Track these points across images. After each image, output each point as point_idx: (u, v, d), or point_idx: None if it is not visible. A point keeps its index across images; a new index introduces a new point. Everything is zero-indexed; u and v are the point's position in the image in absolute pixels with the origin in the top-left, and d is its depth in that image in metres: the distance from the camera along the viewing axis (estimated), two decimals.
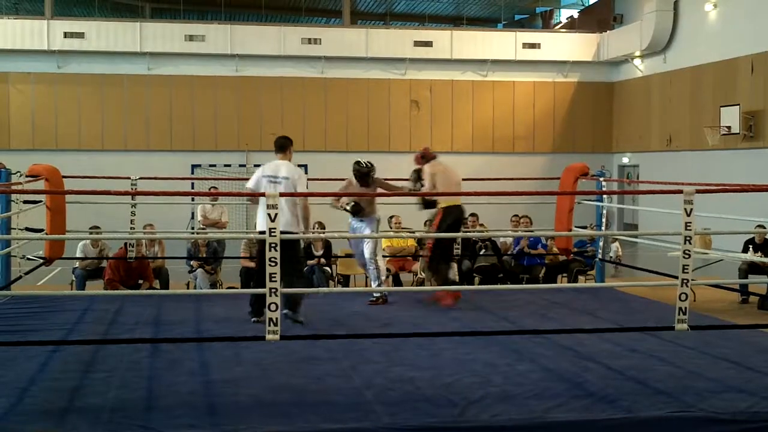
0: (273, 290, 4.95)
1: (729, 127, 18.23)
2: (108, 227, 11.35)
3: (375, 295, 8.34)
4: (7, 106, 21.74)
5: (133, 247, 9.26)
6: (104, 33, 21.78)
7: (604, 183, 9.60)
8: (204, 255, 10.23)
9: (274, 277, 4.94)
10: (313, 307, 7.86)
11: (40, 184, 8.22)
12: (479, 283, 10.30)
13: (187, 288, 10.03)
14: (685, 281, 5.31)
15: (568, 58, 23.67)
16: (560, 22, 28.36)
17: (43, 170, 8.27)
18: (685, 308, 5.36)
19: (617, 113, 24.06)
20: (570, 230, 9.15)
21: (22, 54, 21.55)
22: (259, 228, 7.03)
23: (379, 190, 8.48)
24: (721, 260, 10.47)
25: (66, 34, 21.54)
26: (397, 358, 5.78)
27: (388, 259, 10.72)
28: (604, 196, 9.77)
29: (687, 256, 5.29)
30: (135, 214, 9.13)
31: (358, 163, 8.45)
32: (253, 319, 7.08)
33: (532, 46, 23.48)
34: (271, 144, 7.55)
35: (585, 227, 10.84)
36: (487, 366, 5.58)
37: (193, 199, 14.73)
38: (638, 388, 5.08)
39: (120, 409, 4.62)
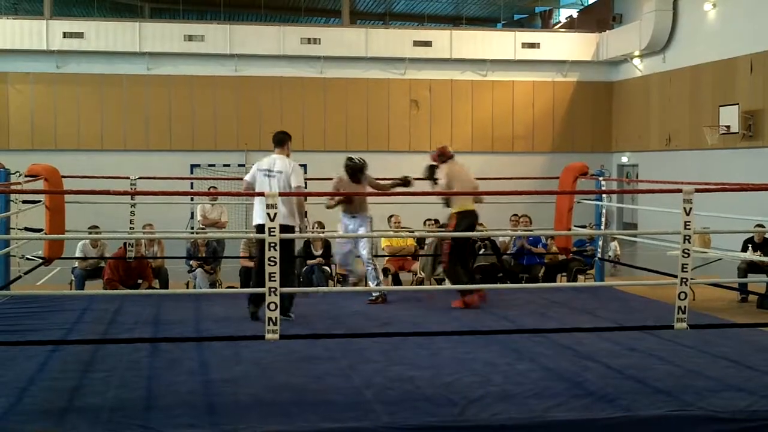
0: (272, 289, 4.95)
1: (728, 127, 18.24)
2: (107, 227, 11.35)
3: (374, 294, 8.34)
4: (6, 106, 21.74)
5: (132, 246, 9.26)
6: (103, 33, 21.78)
7: (603, 182, 9.61)
8: (203, 255, 10.23)
9: (274, 276, 4.94)
10: (312, 307, 7.88)
11: (40, 184, 8.21)
12: (479, 283, 10.29)
13: (187, 288, 10.03)
14: (684, 280, 5.31)
15: (567, 57, 23.68)
16: (559, 22, 28.37)
17: (42, 170, 8.27)
18: (685, 307, 5.37)
19: (616, 113, 24.07)
20: (569, 229, 9.15)
21: (21, 54, 21.55)
22: (255, 221, 7.16)
23: (370, 190, 8.47)
24: (720, 259, 10.47)
25: (65, 34, 21.54)
26: (397, 358, 5.78)
27: (387, 258, 10.74)
28: (604, 195, 9.78)
29: (686, 255, 5.30)
30: (134, 214, 9.13)
31: (350, 159, 8.43)
32: (249, 307, 7.18)
33: (532, 45, 23.49)
34: (270, 144, 7.58)
35: (584, 226, 10.84)
36: (486, 365, 5.58)
37: (192, 199, 14.73)
38: (638, 387, 5.08)
39: (119, 408, 4.62)
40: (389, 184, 8.48)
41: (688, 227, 5.30)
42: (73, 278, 9.91)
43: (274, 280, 4.94)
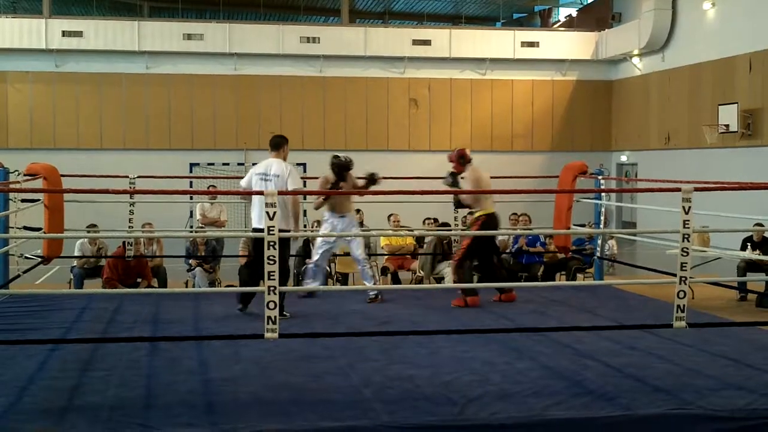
0: (271, 288, 4.95)
1: (727, 126, 18.24)
2: (106, 226, 11.35)
3: (371, 293, 8.34)
4: (5, 105, 21.72)
5: (131, 245, 9.26)
6: (102, 32, 21.77)
7: (602, 181, 9.61)
8: (202, 253, 10.23)
9: (273, 275, 4.94)
10: (311, 306, 7.88)
11: (39, 183, 8.21)
12: (478, 281, 10.29)
13: (186, 287, 10.03)
14: (683, 279, 5.32)
15: (566, 56, 23.67)
16: (559, 21, 28.37)
17: (41, 169, 8.27)
18: (684, 306, 5.37)
19: (616, 112, 24.08)
20: (568, 228, 9.15)
21: (20, 53, 21.54)
22: (254, 225, 7.28)
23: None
24: (720, 258, 10.48)
25: (64, 33, 21.53)
26: (396, 356, 5.78)
27: (387, 257, 10.74)
28: (603, 194, 9.78)
29: (685, 254, 5.30)
30: (133, 213, 9.13)
31: (336, 157, 8.40)
32: (239, 307, 7.35)
33: (531, 44, 23.49)
34: (269, 143, 7.60)
35: (583, 225, 10.85)
36: (486, 364, 5.58)
37: (191, 198, 14.73)
38: (637, 386, 5.08)
39: (119, 407, 4.62)
40: (363, 183, 8.45)
41: (687, 226, 5.30)
42: (72, 277, 9.91)
43: (273, 279, 4.94)
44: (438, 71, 23.33)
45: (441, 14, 29.19)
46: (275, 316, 4.98)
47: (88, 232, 9.72)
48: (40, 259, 8.59)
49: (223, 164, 21.48)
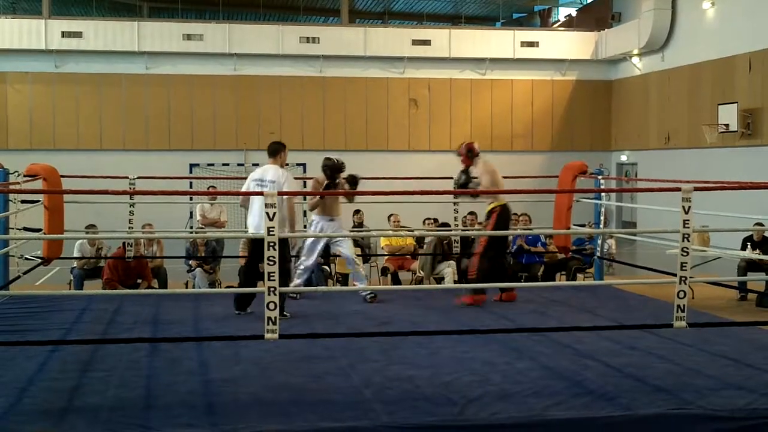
0: (271, 289, 4.95)
1: (727, 125, 18.24)
2: (106, 227, 11.35)
3: (367, 294, 8.32)
4: (4, 106, 21.72)
5: (131, 246, 9.26)
6: (102, 32, 21.76)
7: (602, 181, 9.60)
8: (202, 254, 10.23)
9: (273, 276, 4.94)
10: (311, 306, 7.88)
11: (38, 184, 8.21)
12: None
13: (186, 287, 10.03)
14: (683, 279, 5.32)
15: (566, 56, 23.67)
16: (558, 21, 28.38)
17: (41, 170, 8.26)
18: (684, 306, 5.37)
19: (615, 111, 24.07)
20: (568, 228, 9.15)
21: (19, 53, 21.53)
22: (249, 229, 7.39)
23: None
24: (720, 258, 10.47)
25: (64, 34, 21.52)
26: (396, 357, 5.78)
27: (387, 257, 10.74)
28: (603, 194, 9.78)
29: (685, 254, 5.30)
30: (133, 214, 9.13)
31: (329, 159, 8.39)
32: (236, 312, 7.40)
33: (531, 44, 23.49)
34: (269, 143, 7.62)
35: (583, 225, 10.85)
36: (486, 364, 5.58)
37: (191, 199, 14.73)
38: (637, 386, 5.08)
39: (119, 408, 4.62)
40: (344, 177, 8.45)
41: (687, 226, 5.30)
42: (72, 278, 9.90)
43: (273, 280, 4.94)
44: (438, 71, 23.33)
45: (440, 14, 29.19)
46: (275, 317, 4.98)
47: (87, 232, 9.72)
48: (40, 260, 8.59)
49: (223, 165, 21.49)
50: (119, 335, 6.70)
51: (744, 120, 17.91)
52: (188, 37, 22.05)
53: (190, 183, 18.72)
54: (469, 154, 8.37)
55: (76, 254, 9.85)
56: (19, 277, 8.40)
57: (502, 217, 8.14)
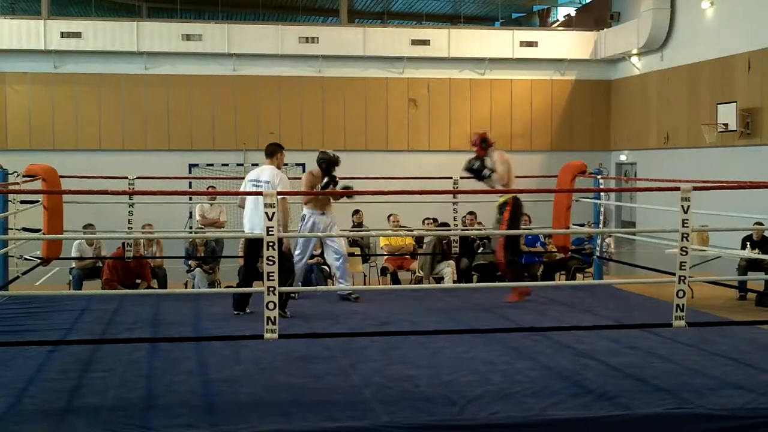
0: (271, 289, 4.95)
1: (726, 125, 18.25)
2: (106, 227, 11.35)
3: (351, 293, 8.30)
4: (4, 107, 21.72)
5: (131, 246, 9.26)
6: (101, 33, 21.76)
7: (601, 181, 9.61)
8: (202, 254, 10.23)
9: (272, 276, 4.93)
10: (311, 306, 7.88)
11: (38, 184, 8.21)
12: (477, 281, 10.31)
13: (186, 287, 10.02)
14: (682, 278, 5.32)
15: (565, 56, 23.68)
16: (557, 21, 28.39)
17: (40, 170, 8.26)
18: (683, 305, 5.37)
19: (615, 111, 24.08)
20: (568, 228, 9.15)
21: (18, 54, 21.53)
22: (245, 229, 7.42)
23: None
24: (719, 257, 10.48)
25: (63, 34, 21.52)
26: (396, 357, 5.78)
27: (386, 257, 10.74)
28: (602, 193, 9.78)
29: (684, 253, 5.30)
30: (132, 214, 9.13)
31: (325, 152, 8.39)
32: (234, 312, 7.42)
33: (530, 44, 23.50)
34: (268, 143, 7.63)
35: (583, 225, 10.85)
36: (485, 364, 5.58)
37: (191, 199, 14.73)
38: (637, 385, 5.08)
39: (119, 408, 4.62)
40: (339, 189, 8.44)
41: (686, 225, 5.30)
42: (71, 278, 9.90)
43: (273, 279, 4.94)
44: (437, 71, 23.33)
45: (440, 14, 29.19)
46: (275, 317, 4.98)
47: (85, 232, 9.72)
48: (39, 261, 8.59)
49: (223, 165, 21.51)
50: (119, 335, 6.69)
51: (743, 119, 17.92)
52: (187, 37, 22.04)
53: (190, 183, 18.72)
54: (483, 144, 8.23)
55: (74, 254, 9.84)
56: (18, 277, 8.40)
57: (516, 209, 8.12)
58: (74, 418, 4.46)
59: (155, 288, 9.56)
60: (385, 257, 10.75)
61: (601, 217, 9.57)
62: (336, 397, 4.83)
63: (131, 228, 9.26)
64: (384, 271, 10.68)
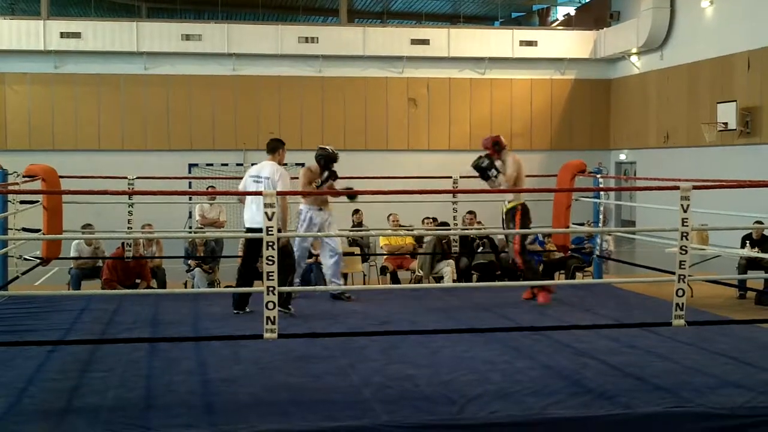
0: (270, 289, 4.94)
1: (726, 124, 18.25)
2: (105, 227, 11.36)
3: (343, 292, 8.29)
4: (3, 107, 21.72)
5: (130, 246, 9.26)
6: (101, 33, 21.76)
7: (601, 180, 9.61)
8: (202, 254, 10.22)
9: (272, 275, 4.93)
10: (310, 306, 7.88)
11: (37, 185, 8.20)
12: (477, 281, 10.30)
13: (185, 287, 10.02)
14: (682, 277, 5.32)
15: (565, 55, 23.68)
16: (557, 20, 28.37)
17: (40, 170, 8.26)
18: (683, 304, 5.37)
19: (614, 110, 24.08)
20: (567, 227, 9.15)
21: (18, 54, 21.53)
22: (246, 225, 7.42)
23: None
24: (719, 256, 10.48)
25: (62, 35, 21.51)
26: (396, 356, 5.78)
27: (386, 257, 10.74)
28: (602, 192, 9.78)
29: (684, 252, 5.30)
30: (132, 214, 9.14)
31: (323, 148, 8.40)
32: (234, 312, 7.44)
33: (529, 43, 23.49)
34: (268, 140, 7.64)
35: (582, 224, 10.85)
36: (485, 363, 5.58)
37: (190, 199, 14.72)
38: (636, 384, 5.08)
39: (118, 408, 4.62)
40: (340, 190, 8.43)
41: (685, 224, 5.30)
42: (70, 278, 9.90)
43: (272, 279, 4.94)
44: (437, 71, 23.32)
45: (439, 14, 29.18)
46: (274, 316, 4.98)
47: (84, 232, 9.72)
48: (39, 261, 8.59)
49: (222, 165, 21.50)
50: (118, 335, 6.69)
51: (743, 118, 17.91)
52: (187, 37, 22.04)
53: (189, 183, 18.70)
54: (496, 147, 8.17)
55: (72, 254, 9.84)
56: (18, 277, 8.40)
57: (526, 215, 8.13)
58: (74, 418, 4.46)
59: (155, 288, 9.56)
60: (385, 257, 10.74)
61: (601, 216, 9.57)
62: (335, 397, 4.83)
63: (131, 228, 9.26)
64: (384, 270, 10.68)
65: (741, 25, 18.26)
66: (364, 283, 10.71)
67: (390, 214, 10.95)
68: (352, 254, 10.47)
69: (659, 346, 6.10)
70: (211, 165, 21.48)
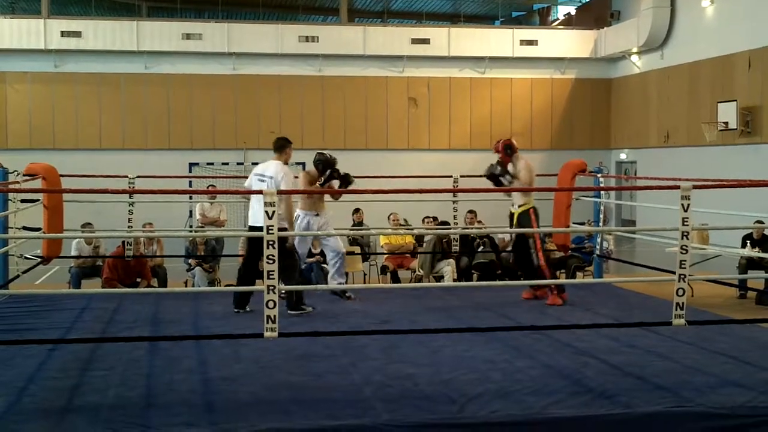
0: (270, 287, 4.95)
1: (726, 123, 18.24)
2: (106, 226, 11.36)
3: (345, 291, 8.30)
4: (4, 106, 21.71)
5: (131, 245, 9.27)
6: (101, 32, 21.75)
7: (601, 179, 9.61)
8: (202, 253, 10.23)
9: (272, 274, 4.93)
10: (311, 305, 7.87)
11: (38, 183, 8.21)
12: (477, 280, 10.31)
13: (186, 286, 10.03)
14: (682, 276, 5.32)
15: (565, 54, 23.66)
16: (557, 19, 28.35)
17: (41, 169, 8.26)
18: (683, 303, 5.37)
19: (615, 110, 24.07)
20: (568, 226, 9.15)
21: (19, 53, 21.52)
22: (249, 223, 7.44)
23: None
24: (719, 255, 10.48)
25: (63, 33, 21.50)
26: (396, 355, 5.79)
27: (386, 256, 10.75)
28: (602, 192, 9.78)
29: (684, 252, 5.30)
30: (133, 213, 9.14)
31: (322, 153, 8.43)
32: (235, 310, 7.47)
33: (530, 43, 23.48)
34: (268, 142, 7.64)
35: (583, 223, 10.85)
36: (485, 362, 5.58)
37: (191, 198, 14.73)
38: (637, 384, 5.09)
39: (119, 407, 4.62)
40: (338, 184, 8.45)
41: (686, 224, 5.30)
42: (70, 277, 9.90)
43: (272, 278, 4.94)
44: (437, 70, 23.31)
45: (440, 13, 29.16)
46: (275, 315, 4.98)
47: (83, 231, 9.73)
48: (39, 260, 8.59)
49: (223, 164, 21.49)
50: (119, 334, 6.70)
51: (743, 118, 17.90)
52: (187, 36, 22.03)
53: (190, 182, 18.72)
54: (507, 151, 8.23)
55: (73, 253, 9.85)
56: (18, 276, 8.40)
57: (538, 218, 8.16)
58: (74, 417, 4.47)
59: (155, 287, 9.57)
60: (386, 256, 10.75)
61: (601, 216, 9.57)
62: (336, 396, 4.84)
63: (131, 227, 9.26)
64: (384, 269, 10.68)
65: (741, 24, 18.25)
66: (365, 282, 10.71)
67: (390, 214, 10.96)
68: (352, 253, 10.48)
69: (659, 345, 6.10)
70: (212, 164, 21.48)
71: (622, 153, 23.88)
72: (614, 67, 24.05)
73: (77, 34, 21.56)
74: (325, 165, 8.33)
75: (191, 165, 21.28)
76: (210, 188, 12.85)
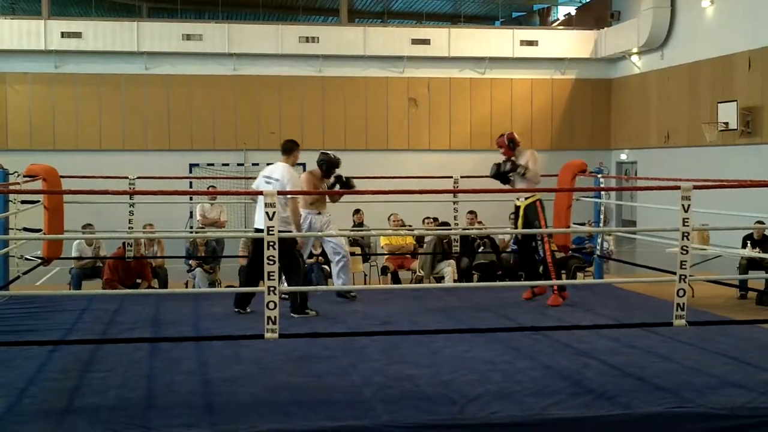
0: (271, 288, 4.95)
1: (726, 123, 18.24)
2: (106, 227, 11.36)
3: (348, 291, 8.30)
4: (4, 107, 21.72)
5: (131, 246, 9.27)
6: (101, 33, 21.76)
7: (602, 179, 9.61)
8: (202, 254, 10.23)
9: (273, 275, 4.94)
10: (311, 306, 7.87)
11: (38, 184, 8.20)
12: (478, 281, 10.31)
13: (186, 287, 10.03)
14: (683, 277, 5.32)
15: (565, 55, 23.67)
16: (558, 20, 28.37)
17: (41, 170, 8.25)
18: (683, 304, 5.37)
19: (615, 110, 24.07)
20: (568, 227, 9.15)
21: (19, 54, 21.53)
22: (255, 226, 7.38)
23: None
24: (720, 256, 10.47)
25: (63, 34, 21.51)
26: (396, 356, 5.79)
27: (387, 257, 10.74)
28: (602, 192, 9.77)
29: (685, 252, 5.30)
30: (133, 214, 9.14)
31: (326, 153, 8.41)
32: (235, 310, 7.47)
33: (530, 43, 23.49)
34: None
35: (583, 224, 10.85)
36: (486, 363, 5.58)
37: (191, 199, 14.73)
38: (637, 384, 5.08)
39: (119, 408, 4.62)
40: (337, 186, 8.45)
41: (686, 224, 5.30)
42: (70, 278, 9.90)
43: (273, 279, 4.94)
44: (437, 70, 23.32)
45: (440, 13, 29.17)
46: (275, 316, 4.98)
47: (84, 232, 9.73)
48: (40, 261, 8.59)
49: (223, 164, 21.49)
50: (119, 335, 6.70)
51: (743, 118, 17.90)
52: (187, 37, 22.04)
53: (190, 183, 18.68)
54: (511, 145, 8.20)
55: (73, 254, 9.85)
56: (19, 277, 8.40)
57: (544, 209, 8.12)
58: (75, 418, 4.47)
59: (156, 288, 9.57)
60: (386, 257, 10.75)
61: (602, 216, 9.57)
62: (336, 397, 4.84)
63: (132, 228, 9.26)
64: (384, 270, 10.68)
65: (742, 24, 18.26)
66: (365, 283, 10.71)
67: (391, 214, 10.96)
68: (353, 254, 10.46)
69: (660, 346, 6.10)
70: (212, 165, 21.47)
71: (623, 153, 23.88)
72: (614, 67, 24.05)
73: (77, 35, 21.57)
74: (329, 165, 8.32)
75: (191, 166, 21.27)
76: (210, 189, 12.83)
